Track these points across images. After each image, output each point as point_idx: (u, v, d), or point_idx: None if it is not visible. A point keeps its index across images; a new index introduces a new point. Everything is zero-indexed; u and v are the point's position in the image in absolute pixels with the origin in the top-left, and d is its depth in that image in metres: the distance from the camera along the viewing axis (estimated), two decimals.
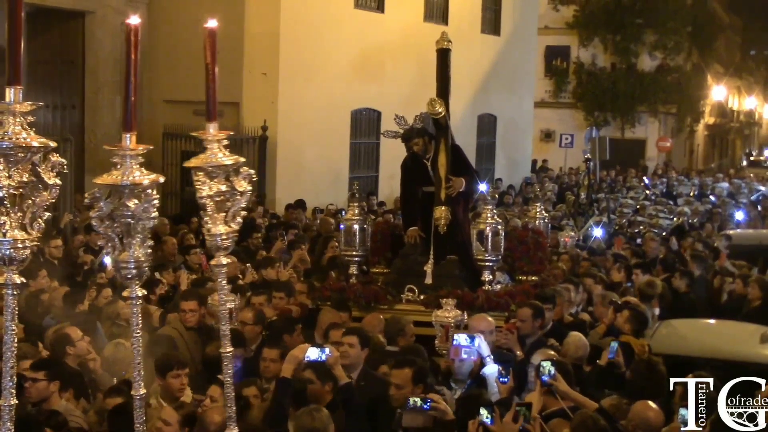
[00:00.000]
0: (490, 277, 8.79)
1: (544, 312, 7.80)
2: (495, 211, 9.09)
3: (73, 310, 8.28)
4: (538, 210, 10.86)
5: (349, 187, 20.26)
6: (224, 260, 3.75)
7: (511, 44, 27.08)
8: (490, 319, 7.36)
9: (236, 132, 18.21)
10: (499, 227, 8.86)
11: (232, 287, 9.78)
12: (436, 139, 9.01)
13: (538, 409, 5.71)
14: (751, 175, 36.80)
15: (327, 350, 5.93)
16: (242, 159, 3.75)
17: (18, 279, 2.99)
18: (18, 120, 2.85)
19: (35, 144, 2.90)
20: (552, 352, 6.52)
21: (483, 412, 5.41)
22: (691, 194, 25.46)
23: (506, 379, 6.14)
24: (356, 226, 9.21)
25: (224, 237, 3.67)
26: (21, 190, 2.93)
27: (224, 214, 3.67)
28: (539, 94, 35.80)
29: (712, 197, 24.51)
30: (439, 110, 8.76)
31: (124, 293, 3.46)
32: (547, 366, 5.86)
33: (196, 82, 18.05)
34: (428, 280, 8.78)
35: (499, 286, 8.95)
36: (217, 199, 3.64)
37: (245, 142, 18.28)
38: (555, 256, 11.93)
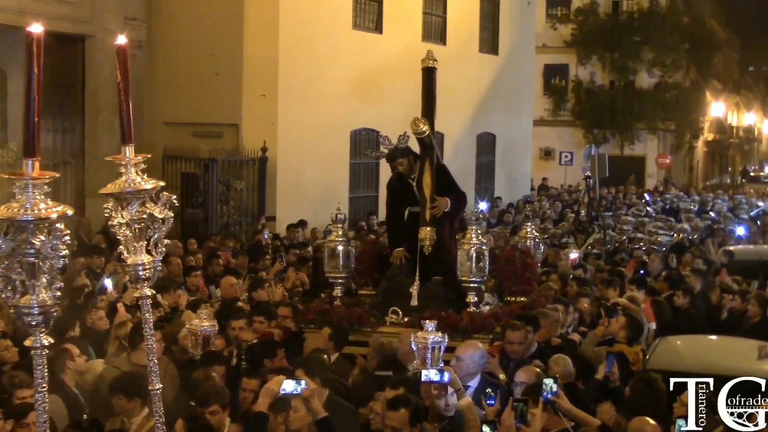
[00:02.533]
0: (476, 298, 8.57)
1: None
2: (480, 231, 8.82)
3: (62, 337, 8.18)
4: (528, 230, 10.64)
5: (350, 207, 20.32)
6: (147, 291, 3.52)
7: (510, 63, 27.19)
8: (480, 345, 7.08)
9: (236, 153, 18.31)
10: (484, 247, 8.59)
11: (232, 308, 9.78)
12: (421, 159, 8.85)
13: (539, 428, 5.65)
14: (751, 190, 36.85)
15: (303, 383, 5.66)
16: (162, 183, 3.51)
17: None
18: None
19: None
20: (537, 369, 6.38)
21: (486, 429, 5.41)
22: (692, 207, 25.47)
23: (493, 401, 5.98)
24: (340, 248, 9.03)
25: (146, 267, 3.44)
26: None
27: (145, 242, 3.45)
28: (538, 113, 35.91)
29: (712, 213, 24.52)
30: (423, 129, 8.56)
31: (26, 342, 3.07)
32: (549, 383, 5.69)
33: (196, 104, 18.26)
34: (414, 302, 8.57)
35: (487, 308, 8.75)
36: (137, 226, 3.41)
37: (245, 163, 18.33)
38: (546, 276, 11.62)
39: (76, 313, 9.23)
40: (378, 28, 21.41)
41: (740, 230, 20.33)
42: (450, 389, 6.02)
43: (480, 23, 25.74)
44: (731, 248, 16.24)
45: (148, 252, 3.47)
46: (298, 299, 10.60)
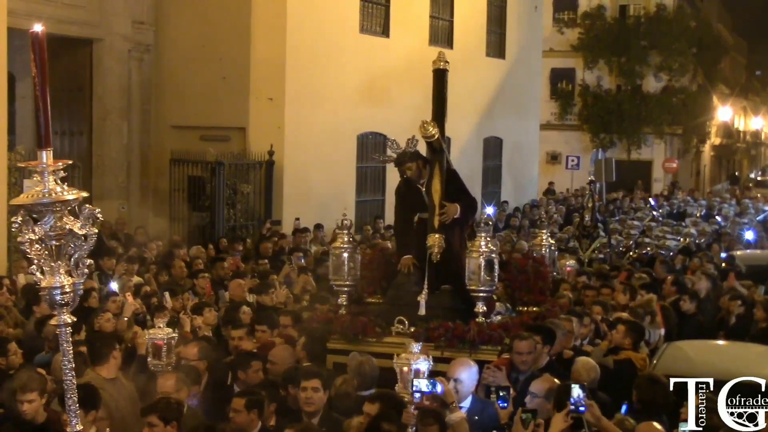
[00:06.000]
0: (485, 308, 8.21)
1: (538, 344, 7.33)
2: (489, 238, 8.33)
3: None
4: (544, 237, 10.31)
5: (356, 211, 20.32)
6: (67, 318, 3.06)
7: (517, 67, 27.19)
8: (471, 361, 6.72)
9: (243, 157, 18.34)
10: (494, 255, 8.18)
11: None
12: (431, 164, 8.57)
13: None
14: (758, 195, 36.69)
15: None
16: (84, 194, 3.05)
17: None
18: None
19: None
20: (555, 380, 6.13)
21: None
22: (698, 215, 25.40)
23: (506, 404, 5.87)
24: (345, 255, 8.66)
25: (65, 291, 2.99)
26: None
27: (65, 262, 3.01)
28: (545, 117, 35.85)
29: (718, 218, 24.47)
30: (432, 132, 8.25)
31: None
32: (576, 389, 5.28)
33: (203, 108, 18.26)
34: (421, 311, 8.22)
35: (498, 317, 8.45)
36: (53, 243, 2.98)
37: (252, 167, 18.36)
38: (561, 283, 11.30)
39: (85, 316, 9.25)
40: (385, 32, 21.42)
41: (749, 234, 20.27)
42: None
43: (487, 27, 25.74)
44: (738, 253, 16.21)
45: (68, 273, 3.03)
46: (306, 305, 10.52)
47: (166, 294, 10.31)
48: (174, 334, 7.20)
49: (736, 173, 54.32)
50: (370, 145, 20.74)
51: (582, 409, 5.25)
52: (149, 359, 7.09)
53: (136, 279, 11.80)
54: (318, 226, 17.55)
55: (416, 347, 6.13)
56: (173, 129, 19.20)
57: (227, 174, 17.83)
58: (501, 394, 5.94)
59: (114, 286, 10.71)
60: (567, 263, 13.41)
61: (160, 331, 7.13)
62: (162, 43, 19.15)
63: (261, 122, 18.63)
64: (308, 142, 18.98)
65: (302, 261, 13.78)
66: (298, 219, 18.06)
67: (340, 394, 6.60)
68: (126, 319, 9.27)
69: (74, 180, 15.84)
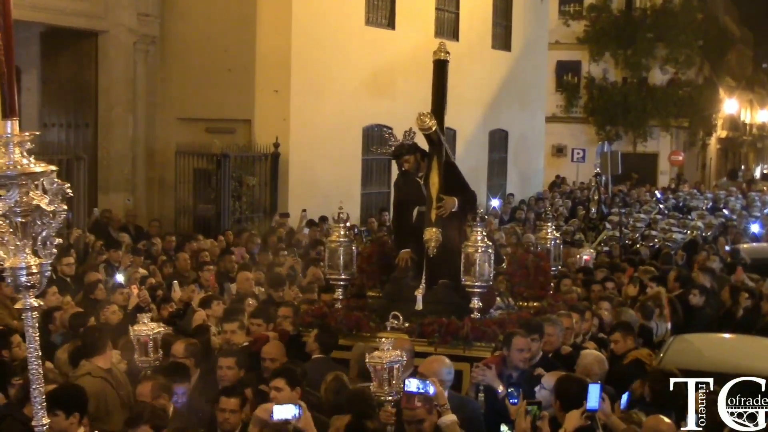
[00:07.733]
0: (480, 304, 8.01)
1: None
2: (485, 233, 8.16)
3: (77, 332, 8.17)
4: (549, 230, 10.14)
5: (362, 203, 20.31)
6: (33, 302, 2.80)
7: (522, 59, 27.13)
8: (447, 360, 6.49)
9: (248, 149, 18.33)
10: (490, 251, 8.01)
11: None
12: (429, 156, 8.41)
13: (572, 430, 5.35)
14: (765, 188, 36.59)
15: (298, 409, 5.16)
16: (53, 168, 2.80)
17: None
18: None
19: None
20: (563, 373, 6.10)
21: (504, 429, 5.33)
22: (704, 208, 25.36)
23: (516, 401, 5.80)
24: (341, 249, 8.49)
25: (31, 271, 2.73)
26: None
27: (31, 241, 2.75)
28: (550, 109, 35.78)
29: (725, 211, 24.41)
30: (429, 125, 8.08)
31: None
32: (595, 390, 5.21)
33: (209, 100, 18.24)
34: (418, 306, 8.11)
35: (498, 313, 8.28)
36: (19, 220, 2.71)
37: (257, 159, 18.35)
38: (565, 278, 11.09)
39: (92, 309, 9.26)
40: (390, 24, 21.38)
41: (755, 227, 20.21)
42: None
43: (493, 19, 25.69)
44: (744, 246, 16.18)
45: (35, 253, 2.79)
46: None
47: (175, 283, 10.28)
48: (161, 330, 6.96)
49: (742, 167, 54.21)
50: (376, 138, 20.68)
51: (597, 408, 5.21)
52: (136, 356, 6.84)
53: (141, 271, 11.80)
54: (323, 219, 17.56)
55: (387, 345, 5.89)
56: (179, 121, 19.19)
57: (233, 166, 17.82)
58: (511, 391, 5.89)
59: (120, 278, 10.72)
60: (585, 252, 13.19)
61: (146, 327, 6.83)
62: (167, 35, 19.11)
63: (266, 114, 18.61)
64: (314, 134, 18.97)
65: (320, 255, 13.74)
66: (304, 211, 18.07)
67: (329, 390, 6.50)
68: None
69: (79, 172, 15.84)
